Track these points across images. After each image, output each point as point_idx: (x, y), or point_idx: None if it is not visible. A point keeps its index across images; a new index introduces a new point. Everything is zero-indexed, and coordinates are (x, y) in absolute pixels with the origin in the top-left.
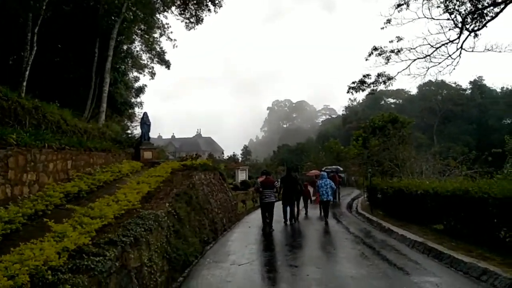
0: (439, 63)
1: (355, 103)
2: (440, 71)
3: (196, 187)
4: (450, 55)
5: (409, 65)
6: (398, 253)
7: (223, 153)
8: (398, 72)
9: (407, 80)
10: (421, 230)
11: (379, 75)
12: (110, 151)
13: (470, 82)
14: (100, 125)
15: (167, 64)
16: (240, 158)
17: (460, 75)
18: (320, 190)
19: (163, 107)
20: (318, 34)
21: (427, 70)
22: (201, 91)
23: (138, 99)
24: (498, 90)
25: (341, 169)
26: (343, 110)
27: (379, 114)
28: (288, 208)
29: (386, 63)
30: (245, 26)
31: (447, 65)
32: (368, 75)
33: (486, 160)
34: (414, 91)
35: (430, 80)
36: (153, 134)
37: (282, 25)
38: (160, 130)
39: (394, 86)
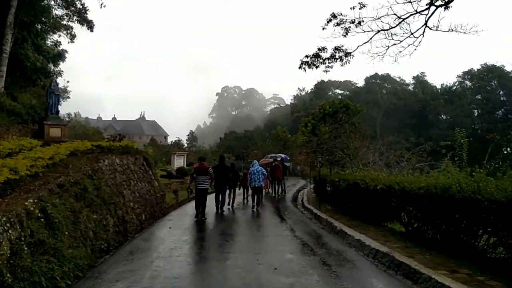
0: (401, 41)
1: (303, 93)
2: (400, 52)
3: (104, 174)
4: (412, 33)
5: (370, 38)
6: (359, 272)
7: (165, 138)
8: (358, 46)
9: (365, 60)
10: (379, 232)
11: (336, 48)
12: None
13: (413, 77)
14: None
15: (89, 25)
16: (186, 144)
17: (404, 70)
18: (252, 177)
19: (106, 87)
20: (271, 19)
21: (387, 49)
22: (148, 72)
23: (58, 68)
24: (438, 86)
25: (288, 158)
26: (291, 99)
27: (330, 101)
28: (220, 197)
29: (345, 35)
30: (198, 8)
31: (409, 45)
32: (324, 48)
33: (437, 152)
34: (361, 83)
35: (376, 73)
36: (92, 115)
37: (236, 8)
38: (101, 111)
39: (342, 76)
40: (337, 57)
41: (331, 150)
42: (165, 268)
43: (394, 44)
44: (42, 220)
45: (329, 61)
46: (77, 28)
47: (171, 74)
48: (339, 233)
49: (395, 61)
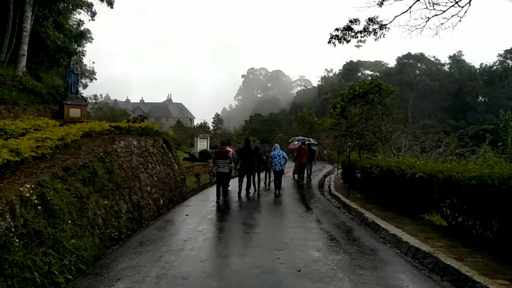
0: (443, 11)
1: (331, 74)
2: (442, 23)
3: (118, 157)
4: (457, 1)
5: (410, 7)
6: (397, 276)
7: (190, 120)
8: (395, 16)
9: (401, 34)
10: (417, 226)
11: (370, 20)
12: (16, 104)
13: (450, 57)
14: (20, 72)
15: (109, 1)
16: (211, 127)
17: (440, 50)
18: (273, 161)
19: (135, 70)
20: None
21: (427, 21)
22: (175, 55)
23: (81, 48)
24: (477, 66)
25: (315, 142)
26: (318, 81)
27: (360, 80)
28: (245, 179)
29: (381, 4)
30: None
31: (452, 16)
32: (356, 20)
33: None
34: (392, 63)
35: (409, 52)
36: (121, 97)
37: None
38: (130, 94)
39: (372, 57)
40: (370, 30)
41: (362, 133)
42: (174, 265)
43: (436, 14)
44: (39, 207)
45: (362, 34)
46: (97, 5)
47: (198, 56)
48: (371, 225)
49: (436, 34)
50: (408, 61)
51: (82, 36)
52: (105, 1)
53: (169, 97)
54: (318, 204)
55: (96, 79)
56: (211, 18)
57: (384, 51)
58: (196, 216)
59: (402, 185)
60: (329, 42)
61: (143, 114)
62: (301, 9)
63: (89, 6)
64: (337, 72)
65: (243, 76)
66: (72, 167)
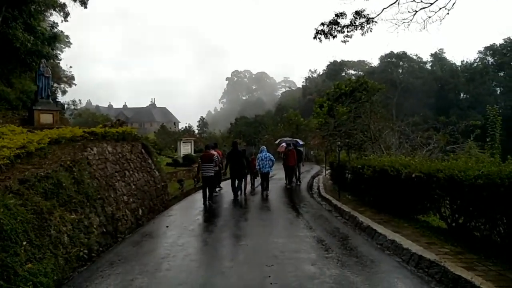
0: (431, 3)
1: (315, 75)
2: (430, 17)
3: (90, 165)
4: None
5: (396, 0)
6: None
7: (174, 124)
8: (383, 9)
9: (388, 29)
10: (416, 230)
11: (357, 13)
12: None
13: (431, 55)
14: None
15: (82, 0)
16: (197, 130)
17: (422, 48)
18: (260, 163)
19: (117, 75)
20: (279, 4)
21: (414, 14)
22: (158, 60)
23: (56, 51)
24: (458, 63)
25: (302, 142)
26: (303, 82)
27: (346, 79)
28: (237, 183)
29: None
30: None
31: (440, 8)
32: (342, 13)
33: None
34: (375, 62)
35: (392, 51)
36: (103, 103)
37: None
38: (112, 99)
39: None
40: (357, 24)
41: (350, 132)
42: None
43: (423, 7)
44: None
45: (348, 29)
46: (70, 5)
47: (181, 60)
48: (366, 230)
49: (424, 28)
50: (391, 60)
51: (56, 38)
52: (78, 1)
53: (153, 101)
54: (309, 208)
55: (75, 84)
56: (194, 21)
57: (367, 51)
58: (178, 227)
59: (397, 186)
60: (314, 37)
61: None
62: (284, 10)
63: (62, 6)
64: (321, 73)
65: (227, 78)
66: (31, 178)
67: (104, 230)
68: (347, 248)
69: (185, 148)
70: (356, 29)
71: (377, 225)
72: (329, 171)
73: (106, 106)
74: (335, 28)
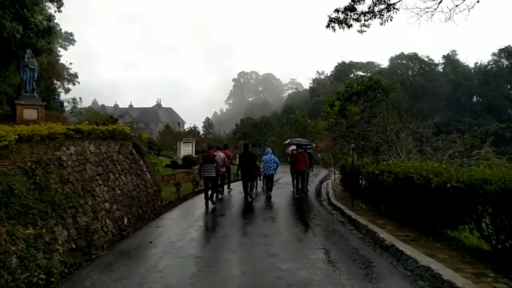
0: None
1: (322, 76)
2: (457, 6)
3: (63, 167)
4: None
5: None
6: None
7: (179, 124)
8: None
9: (408, 20)
10: (453, 251)
11: None
12: None
13: (443, 57)
14: None
15: None
16: (202, 131)
17: (433, 49)
18: (265, 165)
19: (123, 74)
20: (287, 5)
21: (439, 3)
22: (165, 60)
23: (53, 46)
24: (471, 66)
25: (313, 144)
26: (310, 83)
27: (357, 78)
28: (249, 184)
29: None
30: None
31: None
32: None
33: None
34: (385, 63)
35: (402, 53)
36: (109, 102)
37: None
38: (118, 99)
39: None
40: (376, 11)
41: (364, 134)
42: None
43: None
44: None
45: (366, 17)
46: None
47: (188, 61)
48: (389, 250)
49: (450, 18)
50: (401, 61)
51: (50, 31)
52: None
53: (159, 101)
54: (319, 219)
55: (78, 82)
56: (202, 21)
57: (376, 52)
58: (163, 244)
59: (424, 196)
60: (328, 26)
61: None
62: (291, 11)
63: None
64: (329, 74)
65: (234, 80)
66: None
67: (74, 246)
68: (373, 281)
69: (186, 149)
70: (374, 17)
71: (402, 244)
72: (338, 175)
73: (112, 106)
74: (350, 16)
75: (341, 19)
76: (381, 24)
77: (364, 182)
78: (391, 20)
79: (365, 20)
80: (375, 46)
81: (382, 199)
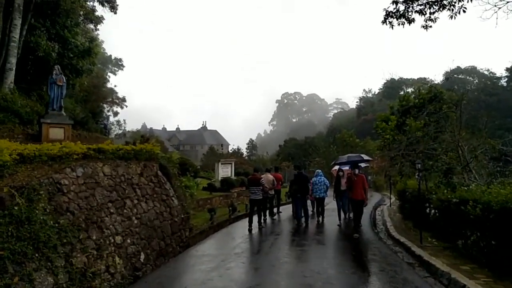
0: None
1: (369, 95)
2: None
3: (64, 192)
4: None
5: None
6: None
7: (222, 146)
8: None
9: (484, 14)
10: None
11: None
12: None
13: (507, 69)
14: (6, 89)
15: (111, 5)
16: (245, 153)
17: (493, 63)
18: (314, 187)
19: (171, 98)
20: (330, 26)
21: None
22: (210, 83)
23: (93, 66)
24: None
25: (370, 159)
26: (357, 102)
27: (414, 89)
28: (302, 209)
29: None
30: (258, 16)
31: None
32: None
33: None
34: (439, 79)
35: (458, 67)
36: (157, 125)
37: (294, 17)
38: (167, 122)
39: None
40: (445, 1)
41: (429, 152)
42: None
43: None
44: None
45: (432, 8)
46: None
47: (232, 83)
48: None
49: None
50: (457, 76)
51: (90, 52)
52: (107, 6)
53: (204, 124)
54: (380, 261)
55: (126, 106)
56: (245, 44)
57: (427, 69)
58: None
59: None
60: (383, 21)
61: (175, 142)
62: (334, 31)
63: (93, 11)
64: (376, 92)
65: (277, 101)
66: None
67: None
68: None
69: (224, 171)
70: (442, 9)
71: None
72: (394, 200)
73: (160, 128)
74: (412, 8)
75: (401, 12)
76: (451, 17)
77: (434, 211)
78: (464, 11)
79: (430, 13)
80: (425, 62)
81: (461, 234)
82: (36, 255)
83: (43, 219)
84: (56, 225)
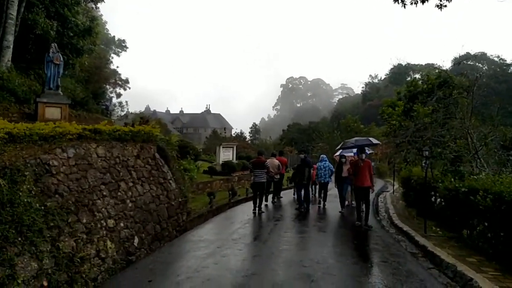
0: None
1: (375, 80)
2: None
3: (52, 174)
4: None
5: None
6: None
7: (225, 130)
8: None
9: None
10: None
11: None
12: None
13: None
14: (4, 67)
15: None
16: (248, 137)
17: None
18: (318, 172)
19: (175, 80)
20: (337, 10)
21: None
22: (215, 66)
23: (93, 46)
24: None
25: (379, 142)
26: (362, 87)
27: (423, 75)
28: (303, 193)
29: None
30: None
31: None
32: None
33: None
34: (447, 65)
35: (468, 52)
36: (161, 108)
37: (300, 0)
38: (171, 105)
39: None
40: None
41: (437, 139)
42: None
43: None
44: None
45: None
46: None
47: (237, 66)
48: None
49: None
50: (467, 62)
51: (90, 31)
52: None
53: (208, 107)
54: (383, 250)
55: (129, 88)
56: (251, 27)
57: (435, 55)
58: (171, 282)
59: None
60: (396, 0)
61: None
62: (341, 15)
63: None
64: (383, 78)
65: (282, 85)
66: None
67: (45, 284)
68: None
69: (226, 154)
70: None
71: None
72: (397, 187)
73: (164, 111)
74: None
75: None
76: None
77: (439, 200)
78: None
79: None
80: (433, 48)
81: (468, 224)
82: (19, 239)
83: (27, 201)
84: (43, 207)
